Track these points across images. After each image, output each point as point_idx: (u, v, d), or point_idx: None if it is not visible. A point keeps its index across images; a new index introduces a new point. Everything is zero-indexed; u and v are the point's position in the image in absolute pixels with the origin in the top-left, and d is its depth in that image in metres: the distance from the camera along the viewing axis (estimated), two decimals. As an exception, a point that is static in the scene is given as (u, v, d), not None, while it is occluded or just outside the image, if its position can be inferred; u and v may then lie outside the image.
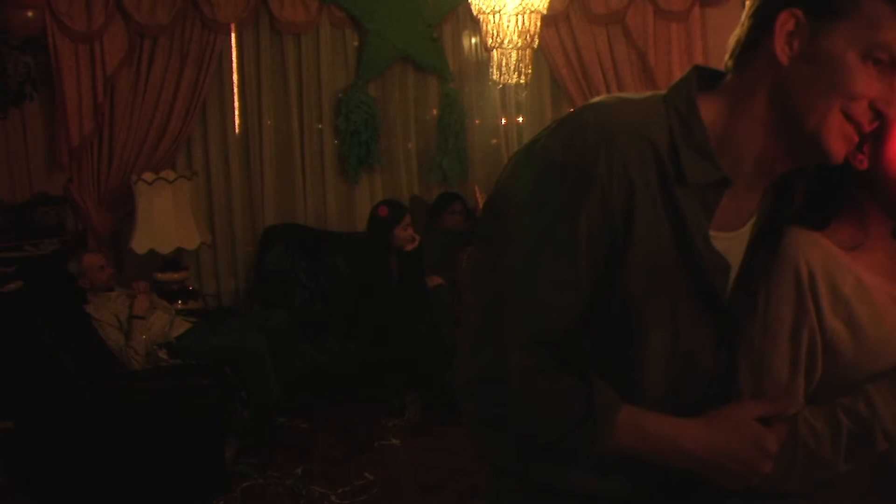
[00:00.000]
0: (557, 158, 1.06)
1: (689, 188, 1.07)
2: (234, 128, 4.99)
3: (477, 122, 5.29)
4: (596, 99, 1.14)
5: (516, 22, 3.65)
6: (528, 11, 3.63)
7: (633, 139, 1.05)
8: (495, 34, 3.69)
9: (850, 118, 1.05)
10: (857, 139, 1.07)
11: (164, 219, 4.47)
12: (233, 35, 4.83)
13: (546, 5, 3.68)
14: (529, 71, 3.91)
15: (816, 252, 1.17)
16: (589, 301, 1.10)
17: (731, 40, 1.13)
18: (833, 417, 1.16)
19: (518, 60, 3.84)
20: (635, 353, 1.12)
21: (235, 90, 4.95)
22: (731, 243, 1.14)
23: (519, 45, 3.71)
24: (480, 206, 4.46)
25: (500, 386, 1.10)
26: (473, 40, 5.19)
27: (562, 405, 1.10)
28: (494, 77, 3.94)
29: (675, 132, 1.07)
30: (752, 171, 1.11)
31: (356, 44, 5.03)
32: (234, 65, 4.91)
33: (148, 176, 4.49)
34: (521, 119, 5.32)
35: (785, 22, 1.05)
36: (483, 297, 1.12)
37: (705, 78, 1.14)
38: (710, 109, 1.09)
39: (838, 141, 1.06)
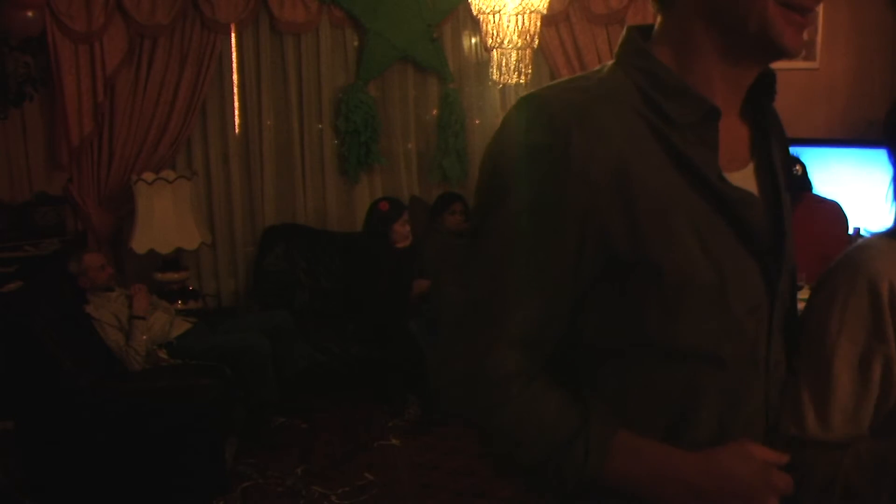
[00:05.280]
0: (523, 141, 0.98)
1: (685, 133, 1.00)
2: (234, 128, 4.99)
3: (477, 122, 5.29)
4: (547, 84, 1.07)
5: (516, 22, 3.65)
6: (528, 11, 3.63)
7: (605, 106, 0.98)
8: (495, 34, 3.69)
9: (790, 5, 0.99)
10: (806, 23, 1.00)
11: (164, 219, 4.47)
12: (233, 35, 4.83)
13: (546, 5, 3.68)
14: (529, 71, 3.91)
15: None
16: (589, 290, 1.00)
17: None
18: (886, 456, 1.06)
19: (518, 60, 3.84)
20: (677, 327, 1.01)
21: (235, 90, 4.95)
22: (740, 183, 1.06)
23: (519, 45, 3.71)
24: None
25: (478, 393, 1.01)
26: (473, 40, 5.20)
27: (550, 420, 1.00)
28: (494, 77, 3.94)
29: (644, 87, 1.01)
30: (725, 96, 1.04)
31: (356, 44, 5.03)
32: (234, 65, 4.91)
33: (148, 176, 4.49)
34: (521, 119, 5.31)
35: None
36: (460, 294, 1.04)
37: (642, 33, 1.09)
38: (660, 58, 1.04)
39: (787, 34, 0.99)
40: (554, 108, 0.97)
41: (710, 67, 1.03)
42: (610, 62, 1.07)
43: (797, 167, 3.79)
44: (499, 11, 3.62)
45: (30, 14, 4.36)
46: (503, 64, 3.87)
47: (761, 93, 1.10)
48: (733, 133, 1.07)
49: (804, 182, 3.80)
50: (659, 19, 1.08)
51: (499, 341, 1.00)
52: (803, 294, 3.61)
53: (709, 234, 1.00)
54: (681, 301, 0.99)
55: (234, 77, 4.93)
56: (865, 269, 1.08)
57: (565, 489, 1.01)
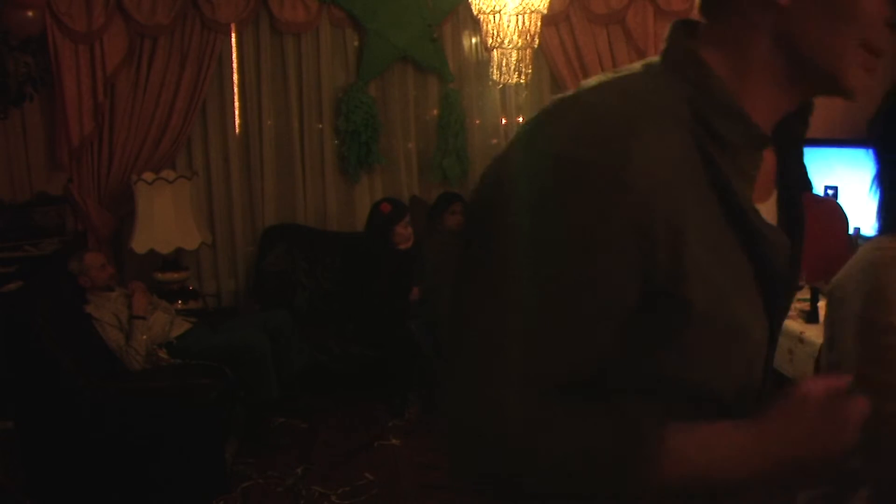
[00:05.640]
0: (570, 153, 0.84)
1: (729, 160, 0.90)
2: (234, 128, 4.99)
3: (477, 122, 5.29)
4: (590, 81, 0.94)
5: (516, 22, 3.65)
6: (528, 11, 3.63)
7: (659, 119, 0.87)
8: (495, 34, 3.69)
9: (870, 47, 0.91)
10: (876, 67, 0.93)
11: (164, 219, 4.47)
12: (233, 35, 4.83)
13: (546, 5, 3.68)
14: (529, 71, 3.91)
15: None
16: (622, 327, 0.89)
17: None
18: None
19: (518, 60, 3.84)
20: (695, 366, 0.93)
21: (235, 90, 4.95)
22: (765, 215, 0.97)
23: (519, 45, 3.71)
24: None
25: (511, 435, 0.87)
26: (473, 40, 5.20)
27: (593, 441, 0.87)
28: (494, 77, 3.94)
29: (694, 100, 0.90)
30: (767, 120, 0.96)
31: (356, 44, 5.03)
32: (234, 65, 4.92)
33: (148, 176, 4.49)
34: (521, 119, 5.32)
35: None
36: (478, 328, 0.88)
37: (687, 29, 0.97)
38: (711, 64, 0.93)
39: (858, 77, 0.92)
40: (605, 118, 0.85)
41: (761, 87, 0.94)
42: (653, 59, 0.97)
43: (797, 167, 3.79)
44: (499, 11, 3.62)
45: (30, 14, 4.37)
46: (503, 64, 3.87)
47: (794, 118, 1.02)
48: (765, 161, 1.00)
49: (804, 182, 3.79)
50: (713, 20, 0.95)
51: (529, 382, 0.87)
52: (803, 294, 3.57)
53: (738, 271, 0.93)
54: (698, 340, 0.91)
55: (234, 77, 4.93)
56: (884, 265, 1.12)
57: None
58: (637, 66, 0.96)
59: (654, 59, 0.96)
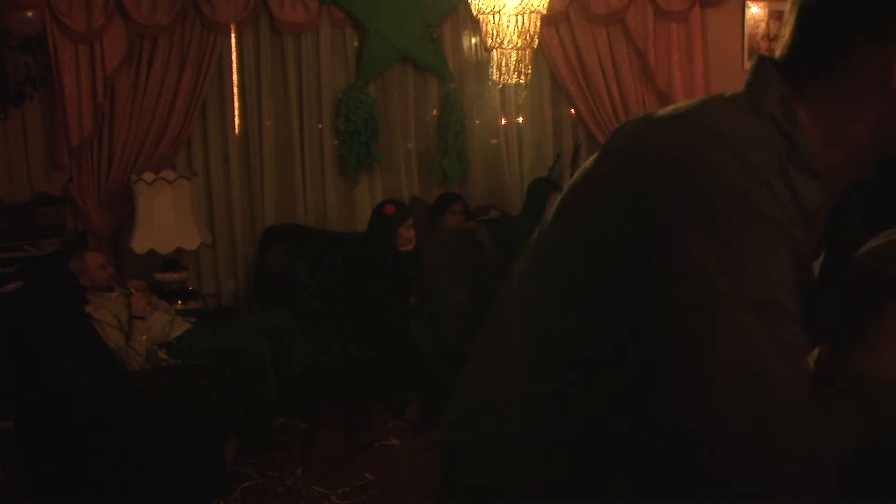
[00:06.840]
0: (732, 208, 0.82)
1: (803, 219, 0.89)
2: (234, 128, 4.99)
3: (477, 122, 5.29)
4: (694, 108, 0.90)
5: (516, 22, 3.65)
6: (528, 11, 3.63)
7: (771, 171, 0.85)
8: (495, 34, 3.69)
9: None
10: None
11: (164, 219, 4.47)
12: (233, 35, 4.84)
13: (546, 5, 3.68)
14: (529, 71, 3.91)
15: None
16: None
17: (786, 31, 0.93)
18: None
19: (518, 60, 3.84)
20: None
21: (235, 90, 4.95)
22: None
23: (519, 45, 3.71)
24: None
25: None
26: (473, 40, 5.20)
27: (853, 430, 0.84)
28: (494, 77, 3.94)
29: (780, 151, 0.87)
30: (833, 186, 0.94)
31: (356, 44, 5.03)
32: (234, 65, 4.92)
33: (148, 176, 4.49)
34: (521, 119, 5.32)
35: None
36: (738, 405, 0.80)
37: (774, 65, 0.94)
38: (805, 122, 0.90)
39: None
40: (747, 158, 0.83)
41: (843, 159, 0.91)
42: (741, 93, 0.93)
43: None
44: (499, 11, 3.62)
45: (30, 14, 4.37)
46: (503, 64, 3.87)
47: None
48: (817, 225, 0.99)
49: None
50: (811, 75, 0.91)
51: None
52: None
53: None
54: None
55: (234, 77, 4.93)
56: None
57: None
58: (729, 97, 0.92)
59: (739, 93, 0.93)
